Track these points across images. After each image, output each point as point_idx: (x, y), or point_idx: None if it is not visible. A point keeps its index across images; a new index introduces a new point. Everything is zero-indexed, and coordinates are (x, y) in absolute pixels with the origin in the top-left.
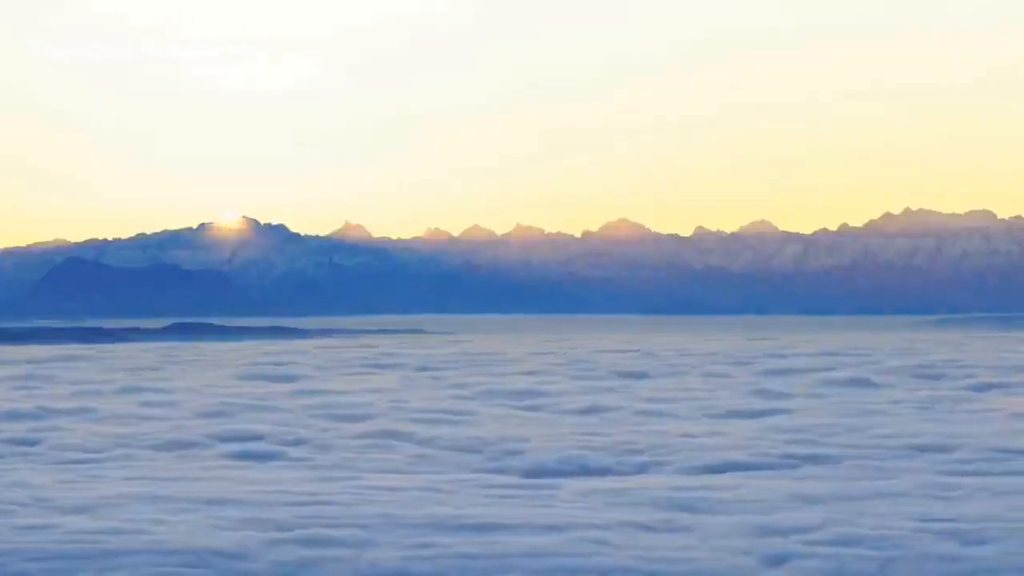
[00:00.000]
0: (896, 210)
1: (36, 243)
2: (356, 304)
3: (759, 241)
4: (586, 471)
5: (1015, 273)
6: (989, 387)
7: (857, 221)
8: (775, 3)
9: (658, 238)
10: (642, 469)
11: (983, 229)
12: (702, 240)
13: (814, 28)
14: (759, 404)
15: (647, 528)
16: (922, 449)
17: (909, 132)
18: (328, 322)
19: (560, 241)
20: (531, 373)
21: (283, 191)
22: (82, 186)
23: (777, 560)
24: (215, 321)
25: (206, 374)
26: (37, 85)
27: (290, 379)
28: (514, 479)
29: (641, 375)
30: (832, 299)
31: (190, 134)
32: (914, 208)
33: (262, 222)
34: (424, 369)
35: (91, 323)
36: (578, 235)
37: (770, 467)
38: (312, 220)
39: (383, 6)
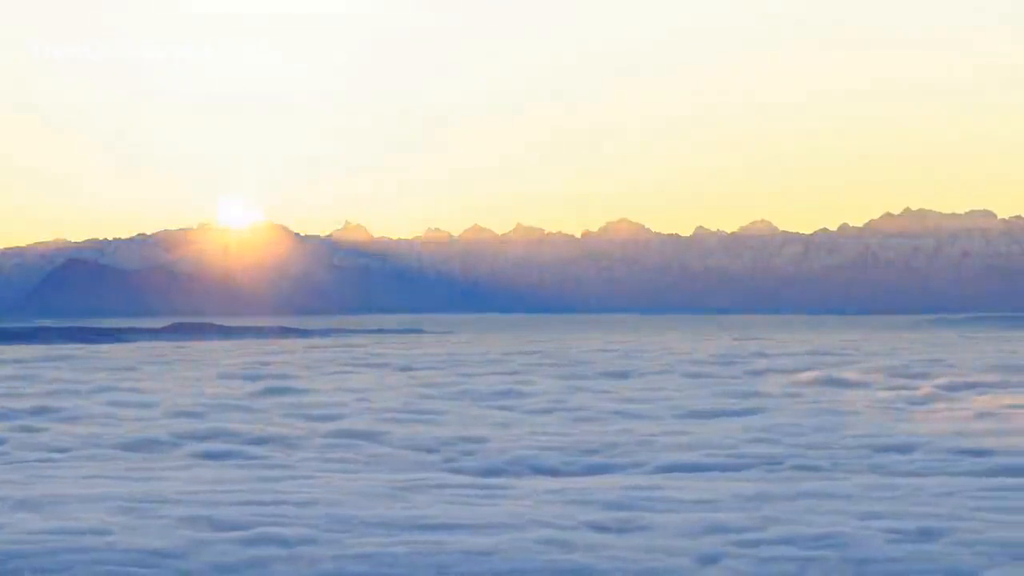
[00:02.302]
0: (896, 210)
1: (36, 243)
2: (356, 304)
3: (759, 241)
4: (539, 471)
5: (1015, 273)
6: (965, 387)
7: (857, 221)
8: (777, 3)
9: (658, 238)
10: (597, 469)
11: (983, 229)
12: (702, 240)
13: (815, 28)
14: (733, 404)
15: (589, 528)
16: (882, 450)
17: (909, 132)
18: (328, 322)
19: (560, 241)
20: (514, 373)
21: (283, 191)
22: (82, 186)
23: (710, 559)
24: (214, 321)
25: (189, 374)
26: (37, 85)
27: (271, 379)
28: (467, 479)
29: (624, 375)
30: (832, 299)
31: (190, 134)
32: (914, 208)
33: (262, 222)
34: (407, 369)
35: (91, 323)
36: (578, 235)
37: (726, 468)
38: (312, 220)
39: (385, 6)
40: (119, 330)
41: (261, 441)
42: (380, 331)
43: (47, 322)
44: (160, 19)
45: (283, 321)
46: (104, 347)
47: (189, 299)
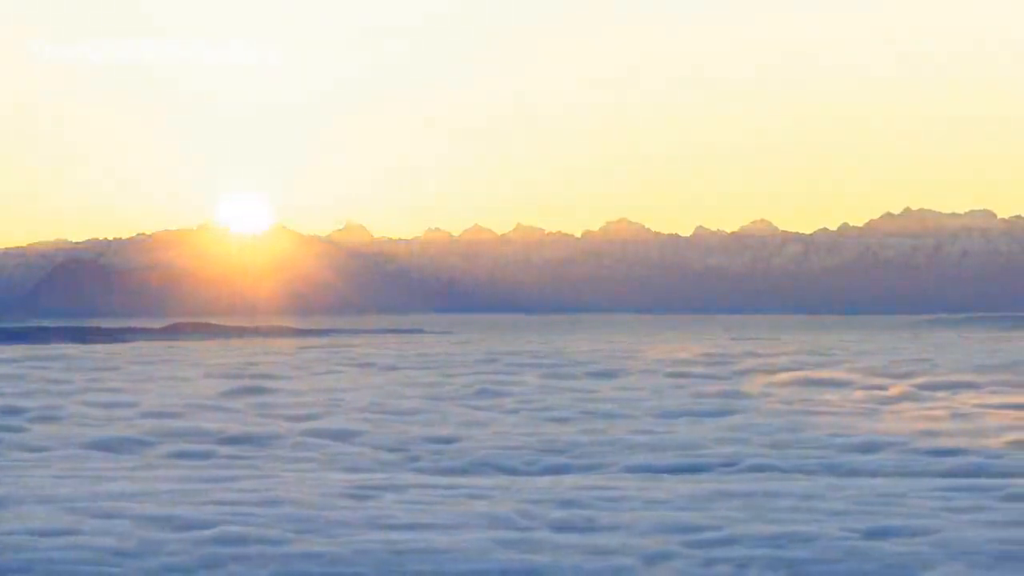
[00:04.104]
0: (896, 210)
1: (36, 243)
2: (356, 304)
3: (759, 241)
4: (502, 470)
5: (1015, 273)
6: (944, 387)
7: (857, 221)
8: (777, 4)
9: (658, 238)
10: (558, 470)
11: (983, 229)
12: (702, 240)
13: (814, 28)
14: (710, 405)
15: (540, 527)
16: (846, 450)
17: (909, 132)
18: (327, 322)
19: (560, 241)
20: (500, 372)
21: (284, 191)
22: (82, 186)
23: (655, 559)
24: (213, 321)
25: (175, 374)
26: (37, 85)
27: (254, 379)
28: (430, 478)
29: (611, 375)
30: (832, 299)
31: (191, 134)
32: (914, 208)
33: (262, 222)
34: (392, 369)
35: (91, 323)
36: (578, 235)
37: (688, 468)
38: (312, 220)
39: (384, 6)
40: (118, 330)
41: (234, 441)
42: (379, 331)
43: (47, 322)
44: (160, 19)
45: (283, 321)
46: (101, 347)
47: (189, 299)
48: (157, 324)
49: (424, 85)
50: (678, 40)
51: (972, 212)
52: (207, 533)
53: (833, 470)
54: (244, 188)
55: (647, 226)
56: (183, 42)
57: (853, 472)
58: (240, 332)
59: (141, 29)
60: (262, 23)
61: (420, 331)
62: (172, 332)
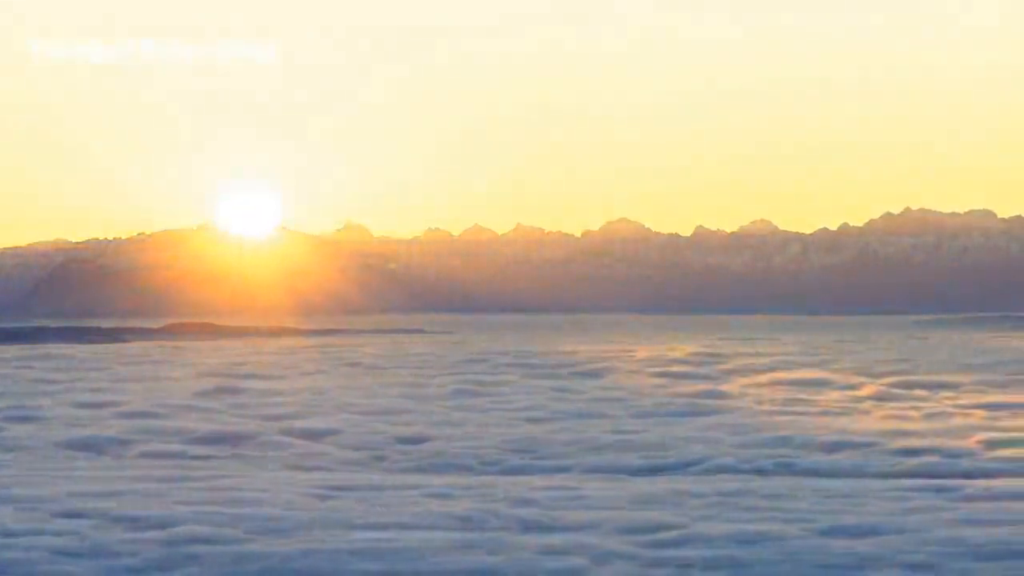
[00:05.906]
0: (896, 210)
1: (36, 243)
2: (356, 304)
3: (759, 241)
4: (467, 470)
5: (1015, 273)
6: (924, 386)
7: (857, 221)
8: (775, 4)
9: (658, 238)
10: (522, 470)
11: (983, 229)
12: (702, 240)
13: (814, 27)
14: (689, 404)
15: (494, 527)
16: (816, 450)
17: (909, 132)
18: (328, 322)
19: (560, 241)
20: (485, 372)
21: (283, 191)
22: (82, 186)
23: (604, 559)
24: (213, 321)
25: (163, 374)
26: (37, 85)
27: (238, 378)
28: (397, 478)
29: (596, 374)
30: (832, 299)
31: (191, 134)
32: (914, 208)
33: (262, 222)
34: (379, 369)
35: (90, 323)
36: (578, 235)
37: (653, 469)
38: (313, 220)
39: (396, 7)
40: (117, 330)
41: (207, 441)
42: (379, 331)
43: (47, 322)
44: (160, 19)
45: (283, 321)
46: (101, 347)
47: (189, 299)
48: (156, 324)
49: (424, 84)
50: (677, 40)
51: (972, 212)
52: (167, 533)
53: (798, 470)
54: (244, 188)
55: (647, 226)
56: (183, 42)
57: (817, 472)
58: (239, 332)
59: (141, 29)
60: (262, 23)
61: (420, 331)
62: (171, 332)
